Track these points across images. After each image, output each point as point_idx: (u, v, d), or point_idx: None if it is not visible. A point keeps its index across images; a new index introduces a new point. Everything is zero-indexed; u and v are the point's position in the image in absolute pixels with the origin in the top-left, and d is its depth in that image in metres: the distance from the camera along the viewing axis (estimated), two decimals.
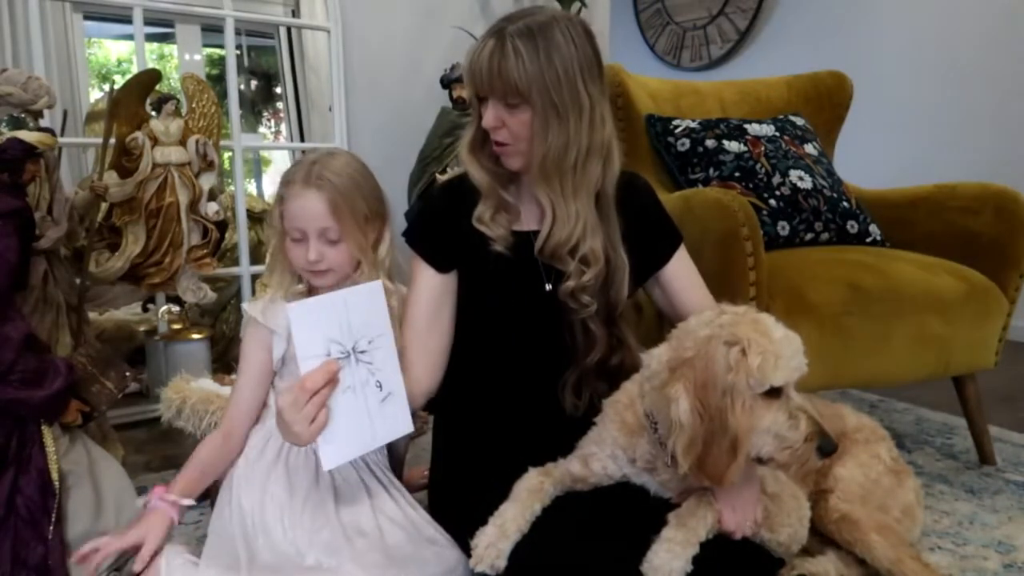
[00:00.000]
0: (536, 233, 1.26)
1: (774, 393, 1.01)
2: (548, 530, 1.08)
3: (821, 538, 1.27)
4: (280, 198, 1.26)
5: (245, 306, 1.31)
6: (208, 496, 1.39)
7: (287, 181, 1.25)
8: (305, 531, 1.14)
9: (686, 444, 1.01)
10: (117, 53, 3.95)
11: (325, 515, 1.17)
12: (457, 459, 1.26)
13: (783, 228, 1.91)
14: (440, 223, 1.30)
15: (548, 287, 1.27)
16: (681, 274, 1.38)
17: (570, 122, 1.18)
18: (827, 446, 1.01)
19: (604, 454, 1.16)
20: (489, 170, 1.27)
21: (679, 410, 1.01)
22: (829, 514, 1.25)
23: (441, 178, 2.50)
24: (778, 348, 1.01)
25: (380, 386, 1.10)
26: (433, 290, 1.30)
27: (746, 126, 2.06)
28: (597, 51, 1.22)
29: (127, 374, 1.67)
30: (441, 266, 1.29)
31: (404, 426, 1.14)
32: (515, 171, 1.26)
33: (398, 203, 2.32)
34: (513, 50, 1.14)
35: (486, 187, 1.26)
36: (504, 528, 1.08)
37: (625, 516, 1.09)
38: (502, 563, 1.06)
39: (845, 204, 2.00)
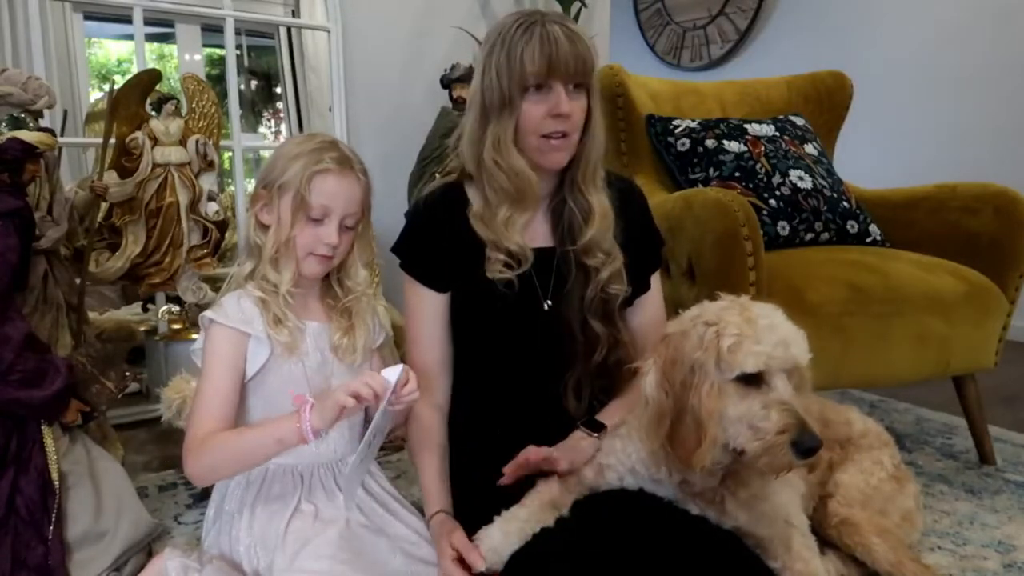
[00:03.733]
0: (535, 250, 1.24)
1: (752, 381, 0.96)
2: (551, 544, 1.04)
3: (821, 539, 1.27)
4: (305, 177, 1.14)
5: (209, 314, 1.16)
6: (208, 495, 1.39)
7: (317, 161, 1.16)
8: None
9: (651, 420, 0.98)
10: (117, 53, 3.94)
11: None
12: (460, 463, 1.26)
13: (783, 228, 1.91)
14: (432, 243, 1.27)
15: (547, 305, 1.26)
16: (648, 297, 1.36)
17: (599, 109, 1.22)
18: (805, 442, 0.91)
19: (623, 468, 1.12)
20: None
21: (645, 383, 0.99)
22: (829, 518, 1.25)
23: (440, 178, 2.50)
24: (757, 334, 0.95)
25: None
26: (437, 310, 1.30)
27: (746, 126, 2.06)
28: None
29: (127, 374, 1.67)
30: (440, 287, 1.29)
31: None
32: (555, 169, 1.23)
33: (398, 203, 2.32)
34: (579, 33, 1.16)
35: (535, 187, 1.21)
36: (509, 534, 1.07)
37: (626, 543, 1.04)
38: (498, 566, 1.05)
39: (845, 204, 2.00)
